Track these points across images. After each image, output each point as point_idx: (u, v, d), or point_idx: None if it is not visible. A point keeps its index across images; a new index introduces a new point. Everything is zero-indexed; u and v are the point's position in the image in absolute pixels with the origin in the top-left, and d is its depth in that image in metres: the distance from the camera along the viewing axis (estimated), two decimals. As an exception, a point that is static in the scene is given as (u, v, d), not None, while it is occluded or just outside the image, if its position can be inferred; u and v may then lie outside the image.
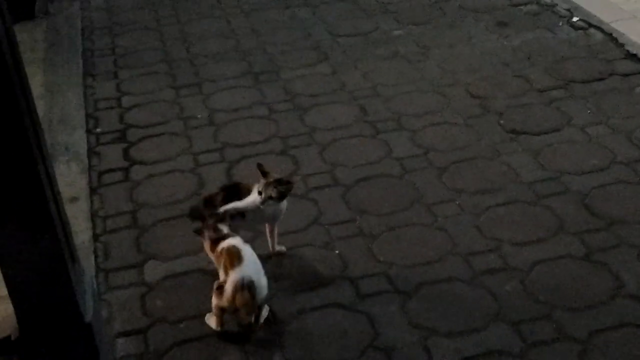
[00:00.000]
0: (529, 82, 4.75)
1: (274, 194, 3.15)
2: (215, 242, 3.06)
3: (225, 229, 3.10)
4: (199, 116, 4.59)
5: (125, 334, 3.05)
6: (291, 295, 3.18)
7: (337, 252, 3.43)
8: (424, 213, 3.64)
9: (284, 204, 3.27)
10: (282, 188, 3.17)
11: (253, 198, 3.19)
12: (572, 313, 2.98)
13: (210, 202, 3.23)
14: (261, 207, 3.16)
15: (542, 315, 2.99)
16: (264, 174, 3.20)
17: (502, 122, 4.34)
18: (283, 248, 3.43)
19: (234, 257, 2.93)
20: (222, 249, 2.99)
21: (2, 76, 2.20)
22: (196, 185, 3.93)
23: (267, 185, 3.16)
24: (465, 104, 4.55)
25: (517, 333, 2.91)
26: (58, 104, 4.67)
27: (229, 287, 2.88)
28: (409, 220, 3.61)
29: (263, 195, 3.14)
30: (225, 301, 2.90)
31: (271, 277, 3.23)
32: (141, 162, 4.18)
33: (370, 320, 3.04)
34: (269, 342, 2.95)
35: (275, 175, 3.22)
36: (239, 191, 3.27)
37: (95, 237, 3.57)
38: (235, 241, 3.02)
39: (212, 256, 3.09)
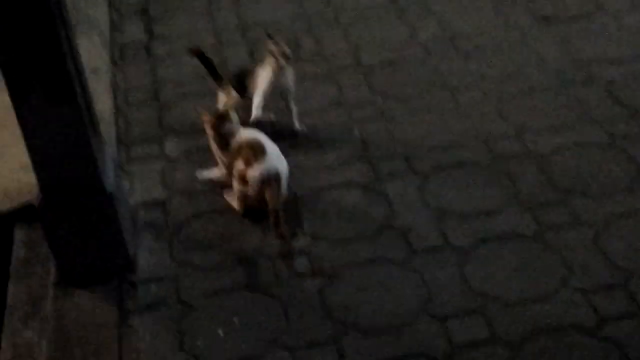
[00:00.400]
0: (561, -34, 4.58)
1: (287, 52, 3.21)
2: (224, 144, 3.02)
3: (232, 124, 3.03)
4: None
5: (146, 204, 3.09)
6: (310, 173, 3.20)
7: (357, 133, 3.41)
8: (447, 98, 3.60)
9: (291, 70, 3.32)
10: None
11: (267, 72, 3.24)
12: (589, 199, 2.98)
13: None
14: (282, 70, 3.22)
15: (559, 200, 2.98)
16: (275, 42, 3.24)
17: (531, 5, 4.22)
18: (304, 128, 3.42)
19: (257, 151, 2.91)
20: (242, 142, 2.96)
21: None
22: (218, 63, 3.88)
23: (283, 54, 3.21)
24: (495, -13, 4.41)
25: (532, 216, 2.92)
26: (79, -25, 4.58)
27: (255, 180, 2.89)
28: (431, 104, 3.57)
29: (287, 54, 3.21)
30: (251, 190, 2.92)
31: (292, 155, 3.25)
32: (162, 37, 4.14)
33: (387, 201, 3.06)
34: (289, 219, 2.98)
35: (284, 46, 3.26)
36: (246, 75, 3.32)
37: (117, 109, 3.58)
38: (253, 133, 3.00)
39: (219, 154, 3.06)
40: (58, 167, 2.57)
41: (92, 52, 3.82)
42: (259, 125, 3.21)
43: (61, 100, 2.45)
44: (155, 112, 3.58)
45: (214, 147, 3.08)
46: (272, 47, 3.24)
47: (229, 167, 3.01)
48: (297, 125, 3.39)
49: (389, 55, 3.91)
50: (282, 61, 3.22)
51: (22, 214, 3.04)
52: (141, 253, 2.87)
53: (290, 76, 3.32)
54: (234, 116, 3.04)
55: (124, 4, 4.42)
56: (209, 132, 3.05)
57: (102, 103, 3.47)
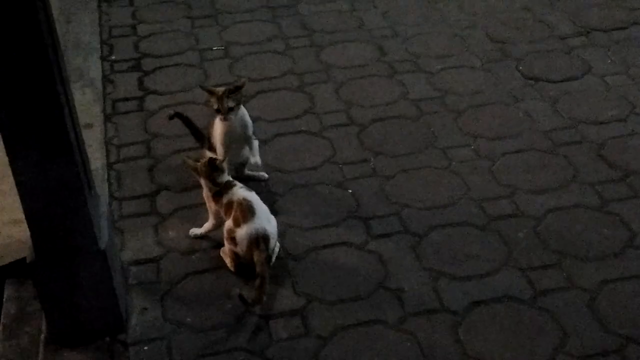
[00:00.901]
0: (550, 27, 4.68)
1: (230, 104, 3.17)
2: (217, 193, 3.03)
3: (224, 176, 3.04)
4: (214, 48, 4.55)
5: (138, 262, 3.07)
6: (303, 232, 3.20)
7: (350, 191, 3.43)
8: (438, 156, 3.64)
9: (244, 111, 3.29)
10: (234, 95, 3.19)
11: (217, 124, 3.25)
12: (583, 262, 3.00)
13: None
14: (226, 121, 3.19)
15: (553, 263, 3.00)
16: (210, 92, 3.22)
17: (521, 67, 4.30)
18: (265, 175, 3.44)
19: (246, 212, 2.93)
20: (232, 202, 2.97)
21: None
22: (211, 118, 3.90)
23: (219, 99, 3.17)
24: (485, 47, 4.50)
25: (527, 280, 2.93)
26: (73, 29, 4.63)
27: (244, 241, 2.90)
28: (423, 163, 3.60)
29: (222, 110, 3.16)
30: (240, 251, 2.93)
31: (284, 213, 3.26)
32: (156, 92, 4.17)
33: (381, 261, 3.06)
34: (281, 277, 2.97)
35: (220, 88, 3.23)
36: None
37: (109, 165, 3.58)
38: (243, 193, 3.00)
39: (210, 203, 3.07)
40: (52, 223, 2.55)
41: (84, 107, 3.83)
42: (241, 179, 3.24)
43: (58, 155, 2.44)
44: (148, 168, 3.58)
45: (205, 193, 3.09)
46: (209, 100, 3.25)
47: (217, 215, 3.04)
48: (253, 159, 3.32)
49: (381, 113, 3.96)
50: (220, 116, 3.20)
51: (13, 269, 3.01)
52: (133, 312, 2.84)
53: (238, 121, 3.26)
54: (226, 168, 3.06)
55: (117, 58, 4.45)
56: (201, 178, 3.05)
57: (95, 159, 3.47)
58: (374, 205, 3.35)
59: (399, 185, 3.47)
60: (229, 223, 2.98)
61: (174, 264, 3.05)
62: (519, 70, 4.27)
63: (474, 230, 3.19)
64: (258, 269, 2.85)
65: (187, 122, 3.52)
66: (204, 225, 3.15)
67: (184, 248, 3.13)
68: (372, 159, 3.63)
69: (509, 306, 2.83)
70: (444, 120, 3.88)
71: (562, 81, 4.17)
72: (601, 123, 3.82)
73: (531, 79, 4.20)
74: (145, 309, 2.86)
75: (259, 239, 2.91)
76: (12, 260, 3.02)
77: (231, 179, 3.07)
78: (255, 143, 3.37)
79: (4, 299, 2.95)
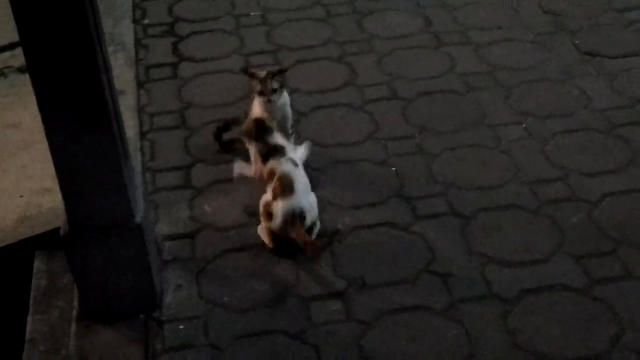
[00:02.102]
0: (607, 0, 4.59)
1: (275, 85, 3.16)
2: (265, 156, 3.06)
3: (274, 136, 3.09)
4: (251, 14, 4.52)
5: (172, 237, 3.08)
6: (345, 211, 3.19)
7: (394, 169, 3.41)
8: (487, 134, 3.59)
9: (286, 97, 3.28)
10: (278, 78, 3.18)
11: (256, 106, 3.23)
12: (641, 251, 2.96)
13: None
14: (269, 104, 3.16)
15: (609, 251, 2.96)
16: (252, 76, 3.21)
17: (576, 42, 4.23)
18: None
19: (285, 187, 2.93)
20: (274, 172, 2.98)
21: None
22: (247, 89, 3.88)
23: (263, 81, 3.16)
24: (538, 20, 4.43)
25: (581, 267, 2.90)
26: (103, -10, 4.61)
27: (279, 217, 2.91)
28: (471, 141, 3.56)
29: (266, 91, 3.15)
30: (275, 227, 2.93)
31: (325, 190, 3.25)
32: (190, 59, 4.16)
33: (426, 243, 3.04)
34: (322, 258, 2.97)
35: (262, 71, 3.22)
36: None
37: (142, 135, 3.58)
38: (288, 167, 3.00)
39: (258, 161, 3.11)
40: (88, 196, 2.55)
41: (117, 73, 3.82)
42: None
43: (95, 124, 2.43)
44: (182, 139, 3.58)
45: (254, 154, 3.16)
46: (252, 83, 3.23)
47: (260, 172, 3.10)
48: None
49: (427, 87, 3.92)
50: (263, 98, 3.18)
51: (43, 240, 3.03)
52: (168, 290, 2.85)
53: (280, 108, 3.25)
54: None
55: (150, 22, 4.44)
56: (251, 142, 3.14)
57: (128, 127, 3.46)
58: (420, 184, 3.33)
59: (446, 164, 3.44)
60: (266, 196, 2.98)
61: (210, 240, 3.05)
62: (574, 45, 4.20)
63: (525, 214, 3.16)
64: (299, 242, 2.87)
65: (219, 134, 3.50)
66: (249, 166, 3.21)
67: (221, 224, 3.13)
68: (417, 136, 3.60)
69: (562, 295, 2.80)
70: (494, 97, 3.83)
71: (620, 57, 4.09)
72: (661, 102, 3.76)
73: (587, 54, 4.13)
74: (180, 285, 2.87)
75: (295, 216, 2.91)
76: (42, 232, 3.04)
77: (283, 143, 3.08)
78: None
79: (33, 271, 2.97)
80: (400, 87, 3.91)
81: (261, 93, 3.17)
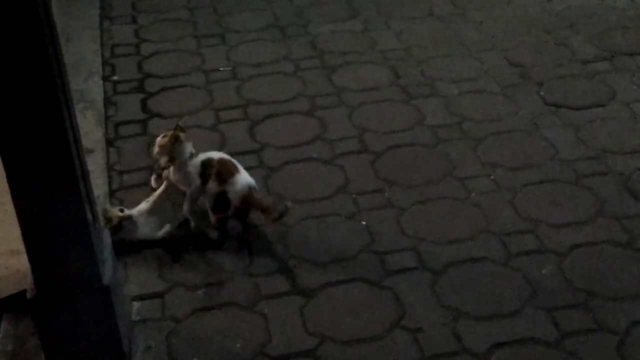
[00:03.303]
0: (571, 51, 4.70)
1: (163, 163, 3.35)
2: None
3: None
4: (221, 69, 4.56)
5: (142, 297, 3.06)
6: (316, 266, 3.19)
7: (364, 223, 3.42)
8: (457, 187, 3.63)
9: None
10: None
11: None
12: (612, 302, 2.98)
13: None
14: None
15: (579, 303, 2.99)
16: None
17: (542, 93, 4.31)
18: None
19: (230, 167, 3.27)
20: (210, 160, 3.26)
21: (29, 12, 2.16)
22: (218, 143, 3.92)
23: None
24: (503, 71, 4.51)
25: (552, 320, 2.92)
26: (73, 47, 4.64)
27: (237, 194, 3.21)
28: (440, 194, 3.59)
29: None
30: (232, 209, 3.23)
31: (293, 246, 3.25)
32: (160, 115, 4.17)
33: (397, 298, 3.04)
34: (292, 315, 2.96)
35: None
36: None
37: (111, 193, 3.57)
38: (219, 153, 3.35)
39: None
40: (54, 257, 2.53)
41: (86, 131, 3.83)
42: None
43: (62, 186, 2.42)
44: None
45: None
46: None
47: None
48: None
49: (396, 140, 3.96)
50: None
51: (10, 303, 2.99)
52: (137, 351, 2.82)
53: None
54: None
55: (120, 78, 4.46)
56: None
57: (97, 186, 3.45)
58: (390, 238, 3.34)
59: (416, 217, 3.46)
60: (213, 186, 3.22)
61: (180, 300, 3.04)
62: (540, 96, 4.27)
63: (495, 267, 3.18)
64: (264, 208, 3.22)
65: None
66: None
67: (190, 282, 3.12)
68: (387, 189, 3.62)
69: (534, 349, 2.81)
70: (462, 149, 3.88)
71: (585, 108, 4.17)
72: (628, 153, 3.82)
73: (553, 105, 4.20)
74: (150, 347, 2.84)
75: (251, 188, 3.25)
76: (9, 294, 3.00)
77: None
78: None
79: (0, 336, 2.93)
80: (370, 141, 3.94)
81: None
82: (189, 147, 3.30)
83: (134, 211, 3.29)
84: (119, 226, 3.20)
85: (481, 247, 3.28)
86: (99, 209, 2.84)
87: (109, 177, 3.67)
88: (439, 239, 3.33)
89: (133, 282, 3.13)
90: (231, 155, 3.57)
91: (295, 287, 3.09)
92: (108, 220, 3.19)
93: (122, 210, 3.25)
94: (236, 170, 3.27)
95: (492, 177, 3.69)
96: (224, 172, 3.25)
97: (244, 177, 3.26)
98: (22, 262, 2.98)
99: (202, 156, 3.31)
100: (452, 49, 4.75)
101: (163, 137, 3.33)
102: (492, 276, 3.14)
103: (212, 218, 3.30)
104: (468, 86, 4.38)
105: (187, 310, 3.00)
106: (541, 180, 3.66)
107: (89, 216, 2.55)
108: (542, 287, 3.07)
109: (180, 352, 2.83)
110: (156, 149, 3.32)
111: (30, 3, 2.15)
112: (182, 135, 3.29)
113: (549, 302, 3.00)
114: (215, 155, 3.33)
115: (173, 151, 3.27)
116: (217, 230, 3.32)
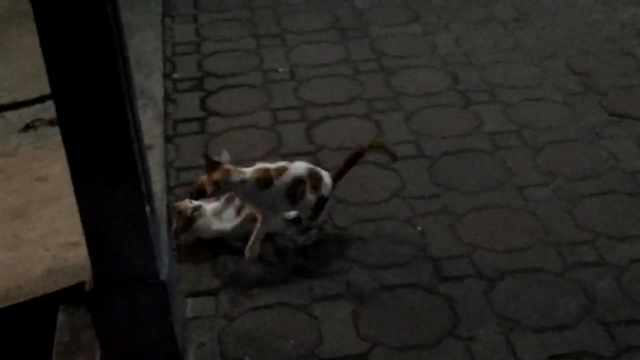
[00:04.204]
0: (637, 61, 4.61)
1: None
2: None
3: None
4: (279, 70, 4.59)
5: (195, 294, 3.10)
6: (370, 270, 3.19)
7: (419, 228, 3.41)
8: (514, 195, 3.60)
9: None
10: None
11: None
12: (672, 319, 2.93)
13: None
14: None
15: (638, 318, 2.93)
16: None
17: (604, 103, 4.24)
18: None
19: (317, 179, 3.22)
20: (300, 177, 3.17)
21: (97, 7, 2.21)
22: (275, 143, 3.95)
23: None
24: (565, 79, 4.45)
25: (609, 335, 2.87)
26: (135, 44, 4.70)
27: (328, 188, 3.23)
28: (497, 201, 3.56)
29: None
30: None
31: (350, 249, 3.26)
32: (218, 114, 4.21)
33: (450, 306, 3.03)
34: (344, 317, 2.97)
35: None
36: None
37: (169, 190, 3.62)
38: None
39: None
40: (113, 251, 2.58)
41: (145, 128, 3.87)
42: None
43: (123, 181, 2.47)
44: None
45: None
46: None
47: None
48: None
49: (453, 146, 3.94)
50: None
51: (67, 295, 3.06)
52: (190, 348, 2.86)
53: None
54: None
55: (180, 76, 4.52)
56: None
57: (155, 182, 3.50)
58: (445, 245, 3.33)
59: (472, 224, 3.44)
60: (312, 197, 3.19)
61: (233, 298, 3.06)
62: (602, 106, 4.21)
63: (552, 278, 3.14)
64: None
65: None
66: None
67: (244, 281, 3.14)
68: (443, 195, 3.60)
69: (589, 363, 2.78)
70: (521, 157, 3.84)
71: (649, 118, 4.10)
72: (693, 167, 3.74)
73: (616, 115, 4.13)
74: (203, 344, 2.88)
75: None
76: (67, 286, 3.07)
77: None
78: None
79: (57, 326, 2.99)
80: (427, 146, 3.93)
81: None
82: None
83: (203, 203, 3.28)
84: (191, 218, 3.22)
85: (538, 257, 3.24)
86: (158, 204, 2.89)
87: (167, 173, 3.72)
88: (494, 247, 3.30)
89: (187, 278, 3.16)
90: (286, 157, 3.61)
91: (349, 290, 3.09)
92: (180, 212, 3.24)
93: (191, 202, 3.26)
94: (320, 175, 3.26)
95: (550, 186, 3.64)
96: (316, 180, 3.22)
97: (325, 174, 3.27)
98: (79, 255, 3.06)
99: (289, 177, 3.17)
100: (513, 54, 4.70)
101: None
102: (548, 287, 3.10)
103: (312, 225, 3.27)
104: (528, 93, 4.33)
105: (241, 309, 3.02)
106: (602, 191, 3.61)
107: (148, 211, 2.59)
108: (600, 300, 3.02)
109: (232, 351, 2.86)
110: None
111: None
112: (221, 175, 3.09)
113: (606, 316, 2.95)
114: (298, 168, 3.22)
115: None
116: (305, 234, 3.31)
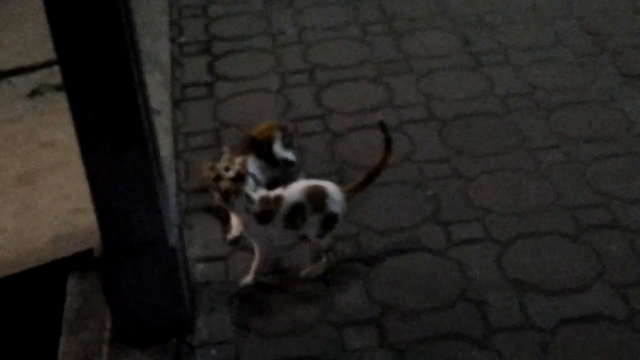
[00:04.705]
0: (651, 20, 4.55)
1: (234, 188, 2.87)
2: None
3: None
4: (287, 33, 4.54)
5: (206, 259, 3.09)
6: (380, 235, 3.18)
7: (430, 192, 3.39)
8: (526, 158, 3.56)
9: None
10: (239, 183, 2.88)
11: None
12: (686, 282, 2.91)
13: None
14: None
15: (652, 281, 2.92)
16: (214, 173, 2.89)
17: (618, 63, 4.18)
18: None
19: (319, 194, 2.92)
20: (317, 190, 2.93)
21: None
22: (283, 107, 3.92)
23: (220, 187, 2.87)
24: (579, 40, 4.39)
25: (622, 297, 2.86)
26: (141, 7, 4.65)
27: (339, 204, 2.93)
28: (509, 165, 3.53)
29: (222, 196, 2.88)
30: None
31: (357, 213, 3.24)
32: (226, 78, 4.18)
33: (461, 270, 3.02)
34: (353, 283, 2.96)
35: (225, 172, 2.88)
36: None
37: (177, 155, 3.61)
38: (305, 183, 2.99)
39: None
40: (122, 217, 2.57)
41: (152, 92, 3.85)
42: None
43: (131, 145, 2.45)
44: (217, 159, 3.59)
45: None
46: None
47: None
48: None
49: (465, 108, 3.90)
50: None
51: (77, 261, 3.06)
52: (200, 313, 2.86)
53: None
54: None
55: (187, 41, 4.48)
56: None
57: (163, 147, 3.48)
58: (455, 208, 3.31)
59: (483, 188, 3.41)
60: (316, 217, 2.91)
61: (244, 263, 3.05)
62: (616, 67, 4.15)
63: (564, 241, 3.12)
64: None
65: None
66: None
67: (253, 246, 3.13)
68: (454, 158, 3.58)
69: (602, 326, 2.76)
70: (533, 119, 3.80)
71: (664, 79, 4.04)
72: None
73: (630, 76, 4.08)
74: (213, 309, 2.88)
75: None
76: (76, 252, 3.07)
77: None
78: None
79: (67, 292, 3.00)
80: (438, 109, 3.89)
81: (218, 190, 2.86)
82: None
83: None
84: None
85: (550, 221, 3.22)
86: (166, 169, 2.87)
87: (175, 138, 3.70)
88: (506, 211, 3.28)
89: (198, 244, 3.16)
90: (295, 121, 3.59)
91: (359, 255, 3.08)
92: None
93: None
94: (324, 192, 2.93)
95: (563, 149, 3.61)
96: (318, 200, 2.92)
97: (331, 188, 2.95)
98: (88, 221, 3.04)
99: (283, 207, 2.89)
100: (525, 15, 4.63)
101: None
102: (560, 250, 3.08)
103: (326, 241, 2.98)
104: (541, 54, 4.28)
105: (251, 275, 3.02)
106: (615, 153, 3.57)
107: (157, 176, 2.58)
108: (613, 263, 3.01)
109: (244, 317, 2.86)
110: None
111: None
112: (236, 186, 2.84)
113: (619, 279, 2.93)
114: (294, 194, 2.91)
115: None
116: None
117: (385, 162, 3.05)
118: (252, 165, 3.22)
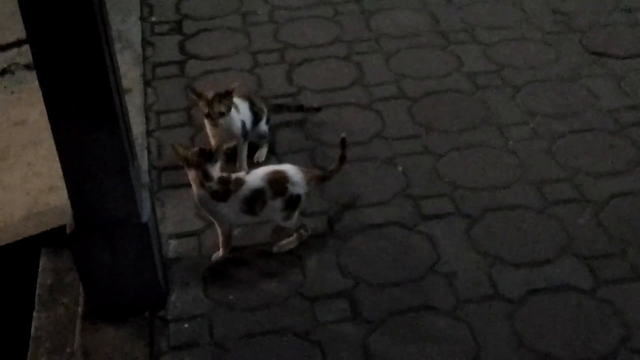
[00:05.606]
0: (615, -1, 4.58)
1: (222, 109, 3.15)
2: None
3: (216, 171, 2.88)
4: (258, 12, 4.52)
5: (178, 235, 3.08)
6: (351, 210, 3.18)
7: (400, 168, 3.40)
8: (494, 134, 3.58)
9: (234, 117, 3.25)
10: (226, 100, 3.17)
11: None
12: (649, 253, 2.95)
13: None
14: (217, 125, 3.19)
15: (616, 252, 2.95)
16: (199, 95, 3.19)
17: (584, 41, 4.21)
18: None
19: (280, 179, 2.90)
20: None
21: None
22: (254, 86, 3.90)
23: (209, 104, 3.15)
24: (545, 19, 4.41)
25: (588, 268, 2.89)
26: (111, -13, 4.61)
27: (301, 184, 2.93)
28: (477, 141, 3.55)
29: (213, 115, 3.16)
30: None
31: (328, 190, 3.24)
32: (197, 57, 4.15)
33: (432, 243, 3.03)
34: (327, 257, 2.97)
35: (209, 92, 3.19)
36: None
37: (149, 133, 3.58)
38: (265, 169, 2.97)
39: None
40: (94, 194, 2.55)
41: (124, 71, 3.81)
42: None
43: (102, 122, 2.43)
44: (189, 137, 3.58)
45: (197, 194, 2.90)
46: (200, 104, 3.21)
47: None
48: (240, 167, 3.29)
49: (434, 85, 3.91)
50: (209, 120, 3.21)
51: (49, 238, 3.04)
52: (173, 288, 2.85)
53: (225, 129, 3.23)
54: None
55: (157, 20, 4.44)
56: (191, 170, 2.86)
57: (134, 126, 3.45)
58: (425, 184, 3.32)
59: (452, 163, 3.43)
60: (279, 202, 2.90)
61: (216, 239, 3.04)
62: (582, 44, 4.18)
63: (532, 215, 3.15)
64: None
65: None
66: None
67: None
68: (423, 135, 3.59)
69: (568, 296, 2.79)
70: (501, 96, 3.82)
71: (628, 57, 4.07)
72: (670, 103, 3.74)
73: (595, 54, 4.11)
74: (186, 284, 2.87)
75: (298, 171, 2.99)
76: (48, 229, 3.04)
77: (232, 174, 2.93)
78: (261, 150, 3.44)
79: (39, 269, 2.97)
80: (407, 86, 3.90)
81: (207, 115, 3.17)
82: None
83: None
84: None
85: (518, 195, 3.24)
86: (138, 147, 2.84)
87: (147, 117, 3.67)
88: (475, 186, 3.30)
89: (170, 220, 3.14)
90: (268, 99, 3.58)
91: (331, 230, 3.09)
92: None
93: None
94: (285, 177, 2.90)
95: (530, 125, 3.63)
96: (279, 185, 2.89)
97: (292, 171, 2.93)
98: (61, 198, 3.03)
99: (243, 192, 2.86)
100: (493, -6, 4.65)
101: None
102: (528, 224, 3.11)
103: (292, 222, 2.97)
104: (508, 33, 4.29)
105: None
106: (581, 129, 3.60)
107: (128, 154, 2.56)
108: (579, 235, 3.04)
109: (217, 291, 2.85)
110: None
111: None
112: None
113: (585, 251, 2.97)
114: (255, 180, 2.89)
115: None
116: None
117: (337, 172, 3.08)
118: (245, 111, 3.33)
